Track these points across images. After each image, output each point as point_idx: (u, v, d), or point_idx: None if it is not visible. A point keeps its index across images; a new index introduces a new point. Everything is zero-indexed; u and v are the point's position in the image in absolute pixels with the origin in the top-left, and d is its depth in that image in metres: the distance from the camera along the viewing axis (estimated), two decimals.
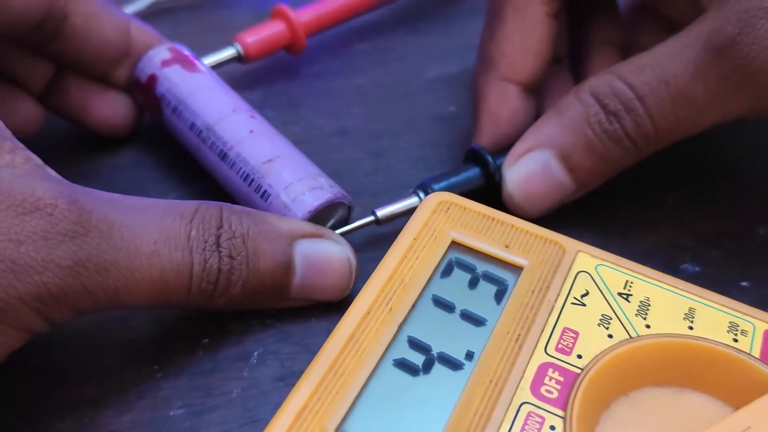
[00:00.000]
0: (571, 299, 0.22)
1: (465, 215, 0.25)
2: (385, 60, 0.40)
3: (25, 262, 0.20)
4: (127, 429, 0.23)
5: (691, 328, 0.22)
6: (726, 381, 0.21)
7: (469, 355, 0.21)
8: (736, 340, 0.21)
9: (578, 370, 0.21)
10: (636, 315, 0.22)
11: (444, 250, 0.24)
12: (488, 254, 0.24)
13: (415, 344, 0.21)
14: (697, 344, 0.21)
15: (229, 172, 0.28)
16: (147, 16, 0.41)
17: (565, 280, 0.23)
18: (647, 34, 0.34)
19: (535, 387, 0.20)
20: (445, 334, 0.22)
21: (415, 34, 0.42)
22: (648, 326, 0.22)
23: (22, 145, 0.22)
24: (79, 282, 0.20)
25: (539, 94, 0.32)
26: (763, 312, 0.22)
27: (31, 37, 0.28)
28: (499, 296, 0.23)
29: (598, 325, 0.22)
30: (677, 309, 0.22)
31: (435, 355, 0.21)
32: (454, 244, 0.24)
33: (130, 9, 0.40)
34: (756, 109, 0.26)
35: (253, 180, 0.27)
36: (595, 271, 0.23)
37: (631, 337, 0.21)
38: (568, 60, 0.35)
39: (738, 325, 0.22)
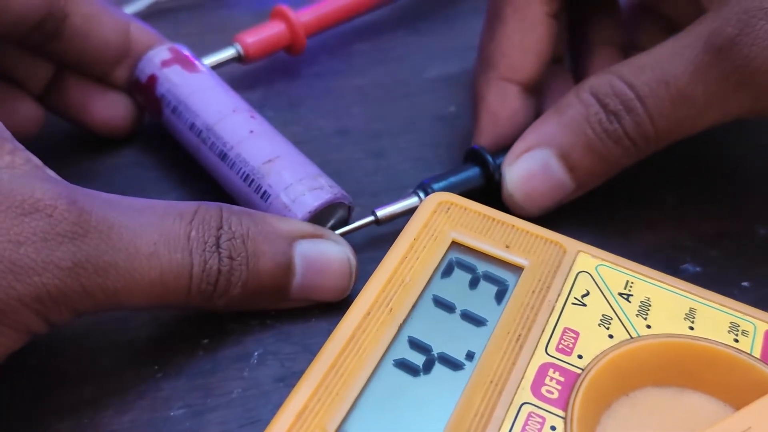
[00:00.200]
0: (571, 299, 0.22)
1: (465, 215, 0.25)
2: (385, 60, 0.40)
3: (24, 263, 0.20)
4: (126, 429, 0.23)
5: (691, 328, 0.22)
6: (727, 381, 0.21)
7: (470, 356, 0.21)
8: (736, 341, 0.21)
9: (579, 371, 0.21)
10: (637, 315, 0.22)
11: (444, 251, 0.24)
12: (489, 254, 0.24)
13: (416, 344, 0.21)
14: (698, 344, 0.21)
15: (229, 172, 0.28)
16: (147, 16, 0.41)
17: (565, 280, 0.23)
18: (647, 34, 0.34)
19: (536, 387, 0.20)
20: (446, 335, 0.22)
21: (415, 34, 0.42)
22: (649, 326, 0.22)
23: (21, 146, 0.22)
24: (79, 283, 0.20)
25: (539, 94, 0.32)
26: (764, 312, 0.22)
27: (31, 38, 0.28)
28: (500, 296, 0.23)
29: (599, 325, 0.22)
30: (678, 309, 0.22)
31: (435, 355, 0.21)
32: (455, 245, 0.24)
33: (130, 9, 0.40)
34: (755, 110, 0.26)
35: (253, 180, 0.27)
36: (596, 271, 0.23)
37: (631, 338, 0.21)
38: (570, 59, 0.35)
39: (739, 326, 0.22)
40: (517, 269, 0.23)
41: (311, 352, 0.25)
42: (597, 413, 0.20)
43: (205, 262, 0.23)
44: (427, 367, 0.21)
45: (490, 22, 0.31)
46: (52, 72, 0.31)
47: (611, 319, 0.22)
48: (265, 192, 0.27)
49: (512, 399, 0.20)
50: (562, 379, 0.20)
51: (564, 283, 0.23)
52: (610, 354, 0.21)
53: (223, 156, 0.28)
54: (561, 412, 0.20)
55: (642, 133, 0.26)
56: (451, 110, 0.36)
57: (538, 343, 0.21)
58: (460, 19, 0.43)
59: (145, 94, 0.32)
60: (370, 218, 0.28)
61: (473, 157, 0.30)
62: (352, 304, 0.22)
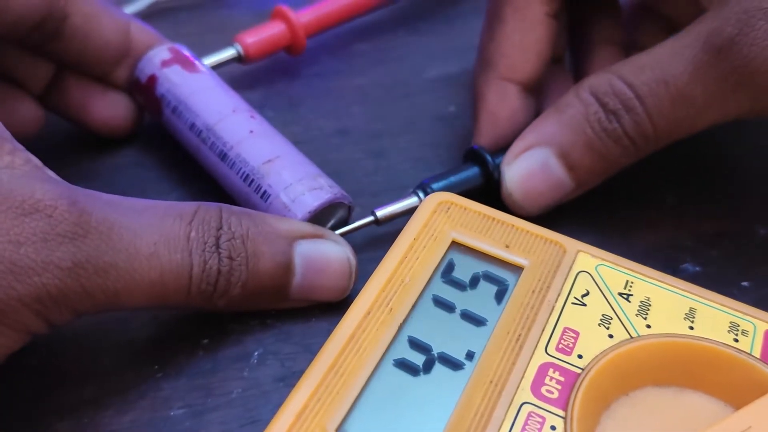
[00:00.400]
0: (571, 299, 0.22)
1: (465, 215, 0.25)
2: (385, 60, 0.40)
3: (24, 264, 0.20)
4: (127, 429, 0.23)
5: (691, 328, 0.22)
6: (726, 381, 0.21)
7: (470, 355, 0.21)
8: (736, 340, 0.21)
9: (579, 370, 0.21)
10: (636, 315, 0.22)
11: (444, 250, 0.24)
12: (488, 254, 0.24)
13: (416, 344, 0.21)
14: (698, 344, 0.21)
15: (228, 172, 0.28)
16: (147, 16, 0.41)
17: (565, 280, 0.23)
18: (647, 34, 0.34)
19: (536, 387, 0.20)
20: (446, 334, 0.22)
21: (415, 34, 0.42)
22: (648, 326, 0.22)
23: (21, 147, 0.22)
24: (79, 283, 0.20)
25: (539, 94, 0.32)
26: (764, 312, 0.22)
27: (31, 38, 0.28)
28: (500, 296, 0.23)
29: (599, 325, 0.22)
30: (678, 309, 0.22)
31: (435, 355, 0.21)
32: (455, 244, 0.24)
33: (130, 9, 0.40)
34: (755, 110, 0.26)
35: (253, 180, 0.27)
36: (596, 271, 0.23)
37: (631, 337, 0.21)
38: (570, 58, 0.35)
39: (738, 325, 0.22)
40: (517, 269, 0.23)
41: (311, 351, 0.25)
42: (597, 413, 0.20)
43: (204, 262, 0.23)
44: (427, 367, 0.21)
45: (489, 22, 0.31)
46: (52, 72, 0.31)
47: (611, 318, 0.22)
48: (264, 192, 0.27)
49: (512, 399, 0.20)
50: (562, 378, 0.20)
51: (564, 283, 0.23)
52: (610, 354, 0.21)
53: (223, 156, 0.28)
54: (561, 412, 0.20)
55: (641, 132, 0.26)
56: (451, 110, 0.36)
57: (538, 343, 0.21)
58: (460, 19, 0.43)
59: (145, 94, 0.32)
60: (370, 218, 0.28)
61: (473, 156, 0.30)
62: (352, 304, 0.22)
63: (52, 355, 0.25)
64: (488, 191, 0.29)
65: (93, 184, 0.23)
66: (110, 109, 0.32)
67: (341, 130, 0.35)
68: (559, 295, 0.23)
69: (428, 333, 0.22)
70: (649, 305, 0.22)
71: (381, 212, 0.28)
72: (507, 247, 0.24)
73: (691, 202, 0.31)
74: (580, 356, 0.21)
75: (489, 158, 0.29)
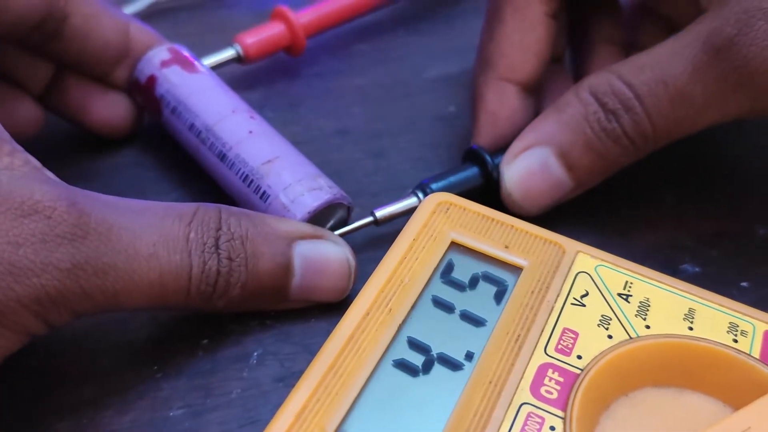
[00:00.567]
0: (570, 300, 0.22)
1: (464, 216, 0.25)
2: (385, 60, 0.40)
3: (23, 265, 0.20)
4: (126, 429, 0.23)
5: (690, 328, 0.22)
6: (726, 381, 0.21)
7: (469, 356, 0.21)
8: (736, 341, 0.21)
9: (578, 371, 0.21)
10: (636, 315, 0.22)
11: (444, 251, 0.24)
12: (488, 255, 0.24)
13: (415, 345, 0.21)
14: (697, 345, 0.21)
15: (228, 172, 0.28)
16: (147, 16, 0.41)
17: (564, 280, 0.23)
18: (647, 34, 0.34)
19: (535, 387, 0.20)
20: (445, 335, 0.22)
21: (415, 34, 0.42)
22: (648, 327, 0.22)
23: (20, 148, 0.22)
24: (78, 284, 0.20)
25: (538, 94, 0.32)
26: (763, 312, 0.22)
27: (31, 38, 0.28)
28: (499, 297, 0.23)
29: (598, 325, 0.22)
30: (677, 309, 0.22)
31: (435, 355, 0.21)
32: (454, 245, 0.24)
33: (130, 9, 0.40)
34: (754, 110, 0.26)
35: (252, 181, 0.27)
36: (595, 271, 0.23)
37: (630, 338, 0.21)
38: (570, 58, 0.35)
39: (738, 326, 0.22)
40: (517, 269, 0.23)
41: (311, 352, 0.25)
42: (596, 413, 0.20)
43: (204, 263, 0.23)
44: (427, 368, 0.21)
45: (489, 22, 0.31)
46: (52, 72, 0.31)
47: (610, 319, 0.22)
48: (264, 192, 0.27)
49: (511, 399, 0.20)
50: (561, 379, 0.20)
51: (563, 284, 0.23)
52: (610, 354, 0.21)
53: (223, 156, 0.28)
54: (560, 413, 0.20)
55: (640, 132, 0.26)
56: (451, 110, 0.36)
57: (537, 344, 0.21)
58: (460, 19, 0.43)
59: (145, 94, 0.32)
60: (369, 219, 0.28)
61: (472, 156, 0.30)
62: (352, 304, 0.22)
63: (51, 355, 0.25)
64: (487, 191, 0.29)
65: (93, 185, 0.23)
66: (110, 109, 0.32)
67: (341, 130, 0.35)
68: (558, 296, 0.23)
69: (427, 333, 0.22)
70: (649, 306, 0.22)
71: (380, 213, 0.28)
72: (506, 247, 0.24)
73: (691, 202, 0.31)
74: (579, 357, 0.21)
75: (488, 158, 0.29)
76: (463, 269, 0.23)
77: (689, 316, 0.22)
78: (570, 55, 0.35)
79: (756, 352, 0.21)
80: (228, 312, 0.25)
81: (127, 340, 0.26)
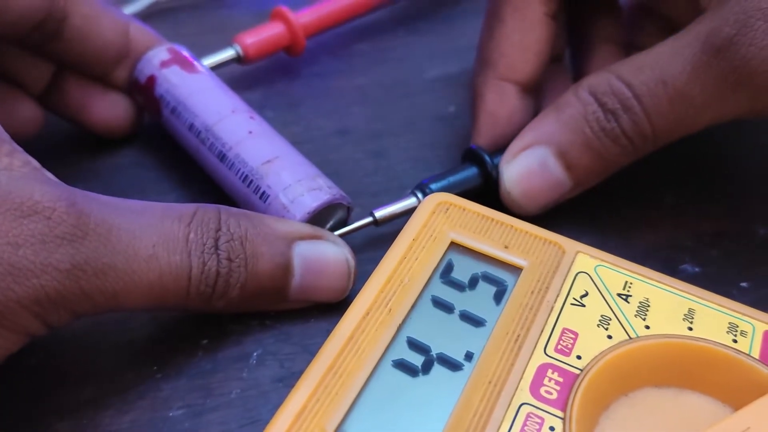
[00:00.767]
0: (570, 300, 0.22)
1: (464, 216, 0.25)
2: (385, 60, 0.40)
3: (23, 266, 0.20)
4: (126, 429, 0.23)
5: (690, 328, 0.22)
6: (725, 382, 0.21)
7: (469, 356, 0.21)
8: (735, 341, 0.21)
9: (578, 371, 0.21)
10: (635, 316, 0.22)
11: (443, 251, 0.24)
12: (487, 255, 0.24)
13: (415, 345, 0.21)
14: (697, 345, 0.21)
15: (228, 173, 0.28)
16: (147, 16, 0.41)
17: (564, 280, 0.23)
18: (647, 34, 0.34)
19: (535, 388, 0.20)
20: (445, 335, 0.22)
21: (415, 34, 0.42)
22: (647, 327, 0.22)
23: (20, 148, 0.22)
24: (77, 285, 0.20)
25: (538, 94, 0.32)
26: (763, 313, 0.22)
27: (31, 38, 0.28)
28: (499, 297, 0.23)
29: (598, 325, 0.22)
30: (677, 310, 0.22)
31: (434, 355, 0.21)
32: (454, 245, 0.24)
33: (130, 9, 0.40)
34: (753, 110, 0.26)
35: (252, 181, 0.27)
36: (595, 271, 0.23)
37: (630, 338, 0.21)
38: (570, 57, 0.35)
39: (737, 326, 0.22)
40: (516, 270, 0.23)
41: (310, 352, 0.25)
42: (596, 414, 0.20)
43: (203, 264, 0.23)
44: (426, 368, 0.21)
45: (489, 21, 0.31)
46: (52, 72, 0.31)
47: (610, 319, 0.22)
48: (264, 192, 0.27)
49: (511, 399, 0.20)
50: (560, 379, 0.20)
51: (563, 284, 0.23)
52: (609, 354, 0.21)
53: (222, 156, 0.28)
54: (560, 413, 0.20)
55: (640, 132, 0.26)
56: (451, 110, 0.36)
57: (536, 344, 0.21)
58: (460, 19, 0.43)
59: (144, 94, 0.32)
60: (369, 219, 0.28)
61: (471, 156, 0.30)
62: (351, 304, 0.22)
63: (51, 355, 0.25)
64: (487, 191, 0.29)
65: (92, 185, 0.23)
66: (110, 109, 0.32)
67: (341, 130, 0.35)
68: (558, 296, 0.23)
69: (427, 333, 0.22)
70: (648, 306, 0.22)
71: (380, 213, 0.28)
72: (506, 247, 0.24)
73: (691, 202, 0.31)
74: (578, 357, 0.21)
75: (487, 158, 0.29)
76: (463, 269, 0.23)
77: (689, 316, 0.22)
78: (570, 54, 0.35)
79: (755, 353, 0.21)
80: (227, 313, 0.25)
81: (126, 340, 0.26)
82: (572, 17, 0.34)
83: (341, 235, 0.27)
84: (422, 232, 0.24)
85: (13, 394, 0.24)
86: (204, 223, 0.23)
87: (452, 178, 0.29)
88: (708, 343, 0.21)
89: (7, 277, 0.19)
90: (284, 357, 0.25)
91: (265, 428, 0.19)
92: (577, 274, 0.23)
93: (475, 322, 0.22)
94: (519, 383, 0.20)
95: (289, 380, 0.25)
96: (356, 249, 0.27)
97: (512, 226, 0.25)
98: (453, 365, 0.21)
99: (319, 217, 0.27)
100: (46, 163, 0.22)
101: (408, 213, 0.27)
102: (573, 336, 0.22)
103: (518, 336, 0.21)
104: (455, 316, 0.22)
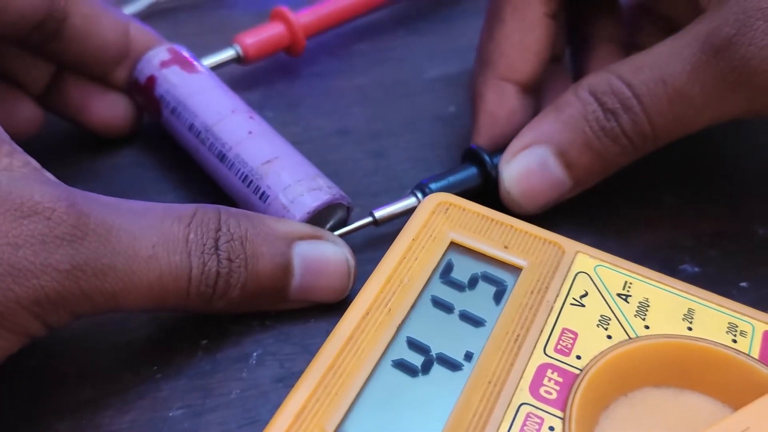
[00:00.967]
0: (570, 300, 0.22)
1: (464, 216, 0.25)
2: (385, 60, 0.40)
3: (23, 266, 0.20)
4: (126, 430, 0.23)
5: (690, 328, 0.22)
6: (725, 382, 0.21)
7: (468, 356, 0.21)
8: (735, 341, 0.21)
9: (577, 371, 0.21)
10: (635, 316, 0.22)
11: (443, 251, 0.24)
12: (487, 255, 0.24)
13: (414, 345, 0.21)
14: (696, 345, 0.21)
15: (227, 173, 0.28)
16: (147, 16, 0.41)
17: (564, 280, 0.23)
18: (647, 34, 0.34)
19: (534, 388, 0.20)
20: (444, 335, 0.22)
21: (415, 34, 0.42)
22: (647, 327, 0.22)
23: (20, 149, 0.22)
24: (77, 286, 0.20)
25: (538, 94, 0.32)
26: (763, 313, 0.22)
27: (31, 38, 0.28)
28: (498, 297, 0.23)
29: (597, 325, 0.22)
30: (676, 310, 0.22)
31: (434, 355, 0.21)
32: (453, 245, 0.24)
33: (129, 9, 0.40)
34: (753, 110, 0.26)
35: (251, 181, 0.27)
36: (594, 271, 0.23)
37: (630, 338, 0.21)
38: (570, 57, 0.35)
39: (737, 326, 0.22)
40: (516, 270, 0.23)
41: (310, 352, 0.25)
42: (595, 414, 0.20)
43: (204, 264, 0.23)
44: (426, 368, 0.21)
45: (489, 21, 0.31)
46: (52, 72, 0.31)
47: (610, 319, 0.22)
48: (263, 193, 0.27)
49: (510, 399, 0.20)
50: (560, 379, 0.20)
51: (562, 284, 0.23)
52: (609, 354, 0.21)
53: (222, 157, 0.28)
54: (559, 413, 0.20)
55: (639, 131, 0.27)
56: (451, 110, 0.36)
57: (536, 344, 0.21)
58: (460, 19, 0.43)
59: (144, 94, 0.32)
60: (369, 219, 0.28)
61: (471, 156, 0.30)
62: (351, 304, 0.22)
63: (51, 355, 0.25)
64: (487, 191, 0.29)
65: (92, 185, 0.23)
66: (110, 109, 0.32)
67: (341, 130, 0.35)
68: (557, 296, 0.23)
69: (427, 334, 0.22)
70: (648, 306, 0.22)
71: (379, 213, 0.28)
72: (506, 247, 0.24)
73: (690, 202, 0.31)
74: (578, 357, 0.21)
75: (487, 158, 0.29)
76: (463, 269, 0.23)
77: (688, 316, 0.22)
78: (570, 54, 0.35)
79: (755, 353, 0.21)
80: (227, 313, 0.25)
81: (126, 340, 0.26)
82: (572, 17, 0.34)
83: (341, 235, 0.27)
84: (422, 232, 0.24)
85: (13, 394, 0.24)
86: (204, 223, 0.23)
87: (452, 178, 0.29)
88: (708, 343, 0.21)
89: (7, 278, 0.19)
90: (284, 357, 0.25)
91: (264, 428, 0.19)
92: (576, 274, 0.23)
93: (475, 322, 0.22)
94: (519, 383, 0.20)
95: (288, 380, 0.25)
96: (356, 249, 0.27)
97: (512, 226, 0.25)
98: (453, 365, 0.21)
99: (319, 217, 0.27)
100: (46, 163, 0.22)
101: (408, 213, 0.27)
102: (573, 336, 0.22)
103: (518, 336, 0.21)
104: (455, 316, 0.22)
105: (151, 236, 0.22)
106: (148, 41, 0.32)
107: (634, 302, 0.22)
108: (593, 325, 0.22)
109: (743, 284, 0.28)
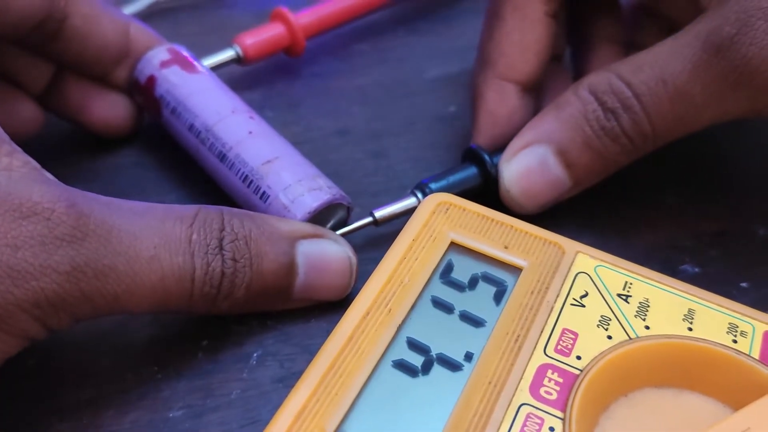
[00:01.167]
0: (570, 300, 0.22)
1: (464, 216, 0.25)
2: (385, 60, 0.40)
3: (22, 268, 0.19)
4: (127, 430, 0.23)
5: (690, 329, 0.22)
6: (725, 382, 0.21)
7: (468, 356, 0.21)
8: (735, 341, 0.21)
9: (577, 371, 0.21)
10: (635, 316, 0.22)
11: (443, 251, 0.24)
12: (487, 255, 0.24)
13: (414, 345, 0.21)
14: (697, 345, 0.21)
15: (228, 173, 0.28)
16: (147, 16, 0.41)
17: (564, 281, 0.23)
18: (647, 33, 0.34)
19: (535, 388, 0.20)
20: (445, 335, 0.22)
21: (415, 34, 0.42)
22: (647, 327, 0.22)
23: (19, 149, 0.22)
24: (78, 288, 0.20)
25: (538, 94, 0.32)
26: (763, 313, 0.22)
27: (31, 38, 0.28)
28: (499, 297, 0.23)
29: (598, 326, 0.22)
30: (676, 310, 0.22)
31: (434, 356, 0.21)
32: (453, 245, 0.24)
33: (129, 9, 0.40)
34: (753, 109, 0.26)
35: (252, 181, 0.27)
36: (595, 272, 0.23)
37: (630, 338, 0.21)
38: (570, 56, 0.35)
39: (737, 326, 0.22)
40: (516, 270, 0.23)
41: (310, 352, 0.25)
42: (596, 414, 0.20)
43: (207, 264, 0.23)
44: (426, 368, 0.21)
45: (489, 21, 0.31)
46: (52, 72, 0.31)
47: (610, 320, 0.22)
48: (264, 193, 0.27)
49: (511, 400, 0.20)
50: (560, 380, 0.20)
51: (563, 284, 0.23)
52: (609, 355, 0.21)
53: (222, 157, 0.28)
54: (559, 413, 0.20)
55: (639, 131, 0.26)
56: (451, 110, 0.36)
57: (536, 344, 0.21)
58: (460, 19, 0.43)
59: (144, 94, 0.32)
60: (369, 219, 0.28)
61: (471, 156, 0.30)
62: (351, 304, 0.22)
63: (51, 356, 0.25)
64: (487, 191, 0.29)
65: (92, 185, 0.23)
66: (110, 109, 0.32)
67: (341, 130, 0.35)
68: (557, 296, 0.23)
69: (427, 334, 0.22)
70: (648, 306, 0.22)
71: (379, 213, 0.28)
72: (506, 248, 0.24)
73: (690, 202, 0.31)
74: (578, 357, 0.21)
75: (487, 158, 0.29)
76: (463, 269, 0.23)
77: (689, 316, 0.22)
78: (570, 54, 0.35)
79: (755, 353, 0.21)
80: (231, 314, 0.25)
81: (127, 340, 0.26)
82: (572, 16, 0.34)
83: (342, 235, 0.27)
84: (422, 232, 0.24)
85: (13, 394, 0.24)
86: (207, 223, 0.23)
87: (452, 178, 0.29)
88: (708, 343, 0.21)
89: (6, 280, 0.19)
90: (284, 357, 0.25)
91: (265, 428, 0.19)
92: (577, 275, 0.23)
93: (475, 322, 0.22)
94: (519, 383, 0.20)
95: (289, 380, 0.25)
96: (356, 249, 0.27)
97: (512, 226, 0.25)
98: (453, 365, 0.21)
99: (319, 217, 0.27)
100: (46, 163, 0.22)
101: (408, 213, 0.27)
102: (573, 336, 0.21)
103: (518, 336, 0.21)
104: (455, 316, 0.22)
105: (152, 237, 0.22)
106: (148, 41, 0.32)
107: (634, 302, 0.22)
108: (593, 325, 0.22)
109: (744, 284, 0.28)
